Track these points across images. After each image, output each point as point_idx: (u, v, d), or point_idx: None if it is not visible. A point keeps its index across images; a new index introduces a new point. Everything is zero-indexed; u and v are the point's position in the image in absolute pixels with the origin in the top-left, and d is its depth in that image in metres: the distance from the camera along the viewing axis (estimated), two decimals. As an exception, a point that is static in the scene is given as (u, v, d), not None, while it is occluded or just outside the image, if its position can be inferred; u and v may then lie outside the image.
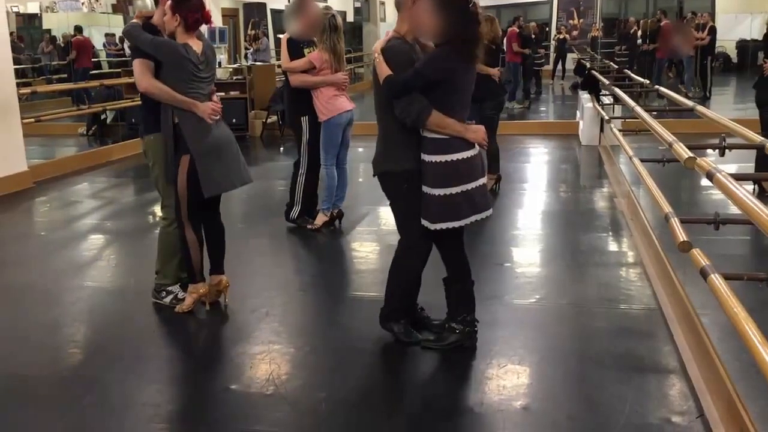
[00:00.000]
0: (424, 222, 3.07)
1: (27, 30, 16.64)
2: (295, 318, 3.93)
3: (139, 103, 3.79)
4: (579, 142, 9.26)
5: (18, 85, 7.29)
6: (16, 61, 8.70)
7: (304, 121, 5.17)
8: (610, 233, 5.35)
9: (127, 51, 11.10)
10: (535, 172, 7.97)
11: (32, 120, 7.98)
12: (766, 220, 1.80)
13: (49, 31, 17.76)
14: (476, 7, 2.92)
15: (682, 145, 2.83)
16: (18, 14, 15.82)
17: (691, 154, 2.63)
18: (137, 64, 3.51)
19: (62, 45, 14.98)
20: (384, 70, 2.93)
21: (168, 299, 3.87)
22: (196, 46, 3.53)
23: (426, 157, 3.02)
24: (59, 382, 3.16)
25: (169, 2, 3.46)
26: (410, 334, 3.30)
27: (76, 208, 6.79)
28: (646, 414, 2.72)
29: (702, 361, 2.93)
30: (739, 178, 2.32)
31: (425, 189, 3.04)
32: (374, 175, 3.27)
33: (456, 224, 3.04)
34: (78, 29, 14.26)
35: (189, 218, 3.67)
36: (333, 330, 3.69)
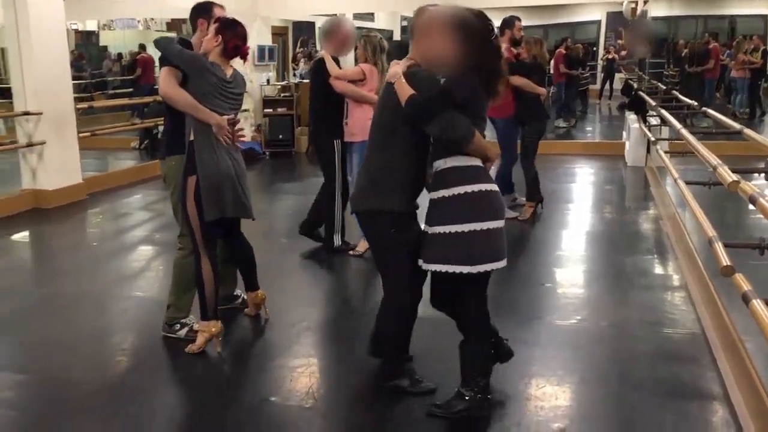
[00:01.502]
0: (452, 267, 2.72)
1: (85, 47, 17.19)
2: (335, 332, 3.98)
3: None
4: (625, 162, 9.17)
5: (77, 100, 7.55)
6: (78, 77, 8.99)
7: (337, 144, 5.12)
8: (655, 256, 5.29)
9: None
10: (579, 192, 7.91)
11: (88, 134, 8.25)
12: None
13: (105, 48, 18.35)
14: (497, 40, 2.82)
15: (726, 168, 2.81)
16: (77, 31, 16.37)
17: (735, 178, 2.61)
18: (163, 71, 3.48)
19: (127, 62, 15.47)
20: (407, 91, 2.71)
21: (183, 332, 3.72)
22: (227, 69, 3.51)
23: (452, 190, 2.72)
24: (105, 390, 3.25)
25: (215, 24, 3.49)
26: (418, 384, 3.08)
27: (126, 220, 6.99)
28: (686, 440, 2.69)
29: (745, 387, 2.88)
30: (782, 202, 2.30)
31: (446, 228, 2.72)
32: (353, 213, 3.09)
33: (481, 268, 2.72)
34: (142, 47, 14.70)
35: (205, 247, 3.50)
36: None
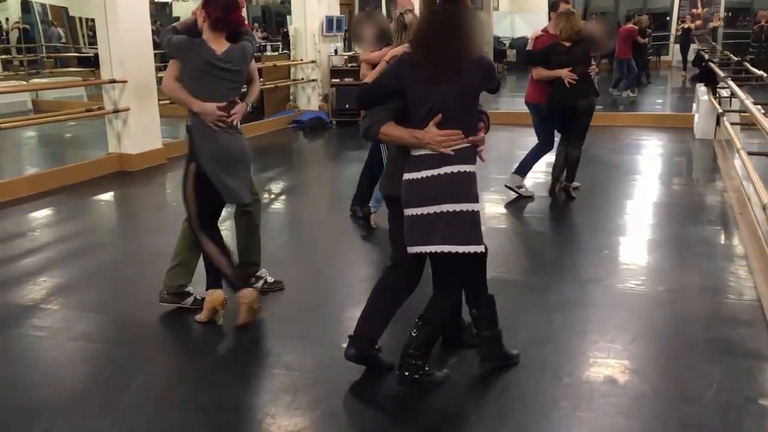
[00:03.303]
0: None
1: (159, 17, 17.78)
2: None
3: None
4: (693, 135, 9.07)
5: (157, 69, 7.93)
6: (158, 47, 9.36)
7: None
8: (718, 226, 5.32)
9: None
10: (645, 164, 7.89)
11: (167, 102, 8.65)
12: None
13: (179, 18, 18.90)
14: (455, 8, 2.61)
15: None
16: (152, 2, 16.92)
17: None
18: (169, 65, 3.52)
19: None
20: (370, 77, 2.78)
21: (189, 301, 3.78)
22: (218, 45, 3.37)
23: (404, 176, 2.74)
24: (179, 334, 3.62)
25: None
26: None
27: (202, 184, 7.36)
28: (732, 393, 2.84)
29: (794, 349, 2.99)
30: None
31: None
32: (383, 195, 3.11)
33: (422, 249, 2.71)
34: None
35: (202, 229, 3.54)
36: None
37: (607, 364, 3.11)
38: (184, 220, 3.71)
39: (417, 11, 4.30)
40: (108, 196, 6.82)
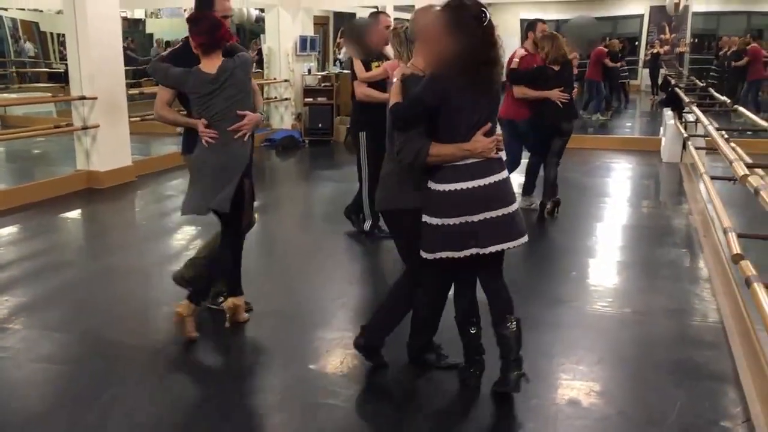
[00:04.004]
0: (422, 253, 2.92)
1: (131, 34, 17.70)
2: (369, 308, 4.21)
3: None
4: (660, 159, 9.23)
5: (128, 86, 7.89)
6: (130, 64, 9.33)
7: (362, 136, 5.33)
8: (682, 249, 5.40)
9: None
10: (613, 187, 8.01)
11: (138, 119, 8.60)
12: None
13: (152, 35, 18.84)
14: (491, 26, 2.74)
15: (741, 163, 2.96)
16: (125, 19, 16.86)
17: (746, 172, 2.77)
18: (158, 91, 3.68)
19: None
20: (395, 97, 2.81)
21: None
22: (210, 66, 3.44)
23: (429, 185, 2.87)
24: (148, 352, 3.55)
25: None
26: (444, 359, 3.28)
27: (172, 201, 7.30)
28: (695, 416, 2.87)
29: (755, 370, 3.04)
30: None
31: (424, 218, 2.90)
32: (378, 210, 3.25)
33: (454, 254, 2.86)
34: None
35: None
36: (403, 321, 3.94)
37: (573, 386, 3.13)
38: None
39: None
40: (75, 213, 6.73)
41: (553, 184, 6.17)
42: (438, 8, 2.85)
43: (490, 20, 2.74)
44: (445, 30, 2.72)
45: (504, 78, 3.70)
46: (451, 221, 2.82)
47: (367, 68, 5.28)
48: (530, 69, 5.97)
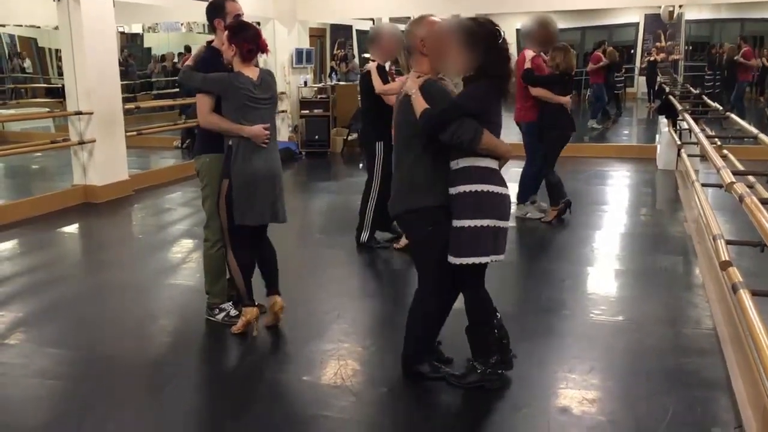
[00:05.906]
0: (450, 258, 2.99)
1: (130, 48, 17.77)
2: (363, 321, 4.24)
3: None
4: (656, 166, 9.26)
5: (125, 100, 7.93)
6: (128, 78, 9.38)
7: (379, 146, 5.38)
8: (677, 256, 5.42)
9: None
10: (609, 194, 8.04)
11: (134, 133, 8.64)
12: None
13: (149, 50, 18.92)
14: (505, 44, 2.95)
15: (728, 171, 2.99)
16: (123, 33, 16.92)
17: (733, 179, 2.79)
18: (198, 100, 3.72)
19: (173, 64, 16.01)
20: (421, 106, 2.92)
21: (220, 316, 4.01)
22: (251, 73, 3.63)
23: (460, 188, 2.97)
24: (147, 367, 3.58)
25: (226, 33, 3.66)
26: (438, 370, 3.27)
27: (169, 215, 7.35)
28: (686, 423, 2.88)
29: (747, 376, 3.06)
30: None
31: (454, 222, 2.98)
32: (393, 216, 3.32)
33: (478, 260, 2.97)
34: (187, 49, 15.21)
35: (232, 245, 3.76)
36: (398, 333, 3.96)
37: (565, 394, 3.14)
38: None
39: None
40: (72, 228, 6.76)
41: (558, 183, 6.32)
42: (435, 18, 3.04)
43: (504, 38, 2.94)
44: (468, 44, 2.88)
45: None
46: (486, 223, 2.93)
47: (386, 80, 5.33)
48: (553, 74, 6.14)
